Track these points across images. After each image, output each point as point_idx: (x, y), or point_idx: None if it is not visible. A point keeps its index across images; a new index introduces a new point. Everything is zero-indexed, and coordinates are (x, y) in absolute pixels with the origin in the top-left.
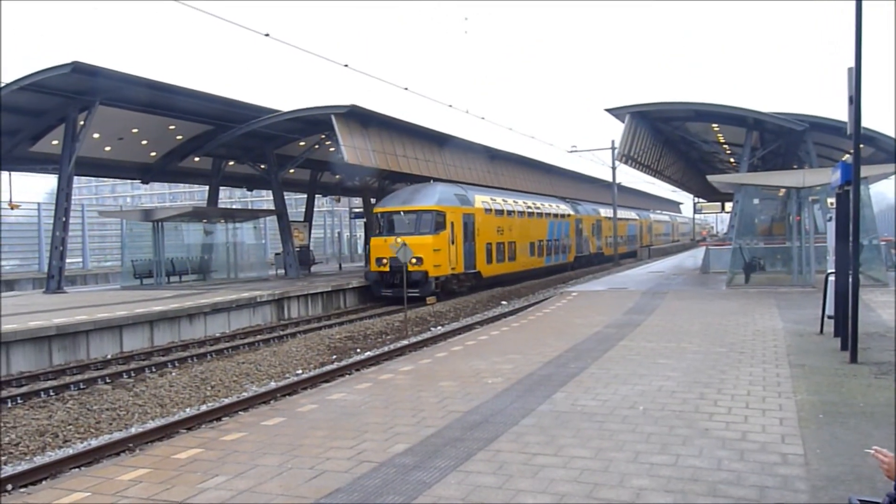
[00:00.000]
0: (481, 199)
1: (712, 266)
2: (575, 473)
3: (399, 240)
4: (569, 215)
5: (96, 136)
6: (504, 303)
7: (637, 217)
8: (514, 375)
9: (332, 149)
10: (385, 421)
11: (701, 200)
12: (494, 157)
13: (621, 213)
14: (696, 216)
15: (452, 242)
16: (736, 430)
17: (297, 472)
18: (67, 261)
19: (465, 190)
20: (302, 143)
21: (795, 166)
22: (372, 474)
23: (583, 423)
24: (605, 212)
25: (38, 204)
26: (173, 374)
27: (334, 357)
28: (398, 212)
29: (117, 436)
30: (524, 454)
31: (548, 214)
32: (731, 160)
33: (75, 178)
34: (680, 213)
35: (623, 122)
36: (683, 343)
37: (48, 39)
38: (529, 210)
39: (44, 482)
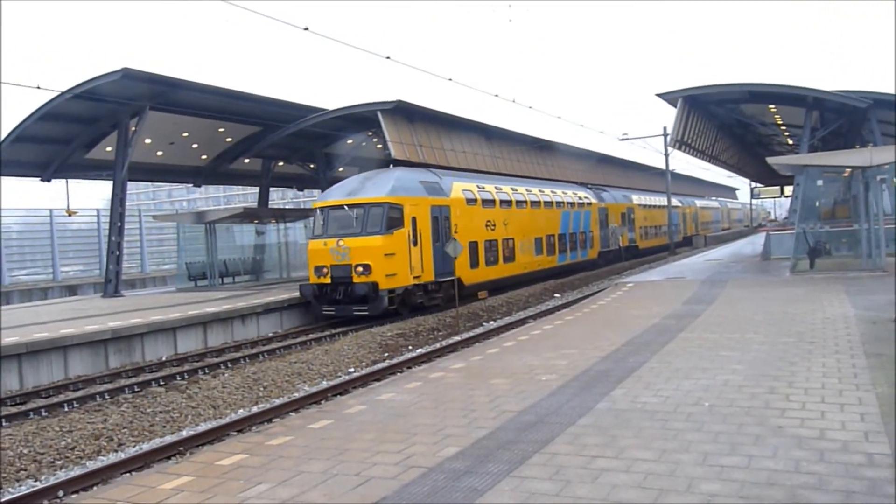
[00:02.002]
0: (461, 188)
1: (774, 252)
2: (638, 478)
3: (341, 243)
4: (590, 204)
5: (148, 141)
6: (557, 295)
7: (679, 204)
8: (570, 372)
9: (379, 146)
10: (435, 422)
11: (758, 185)
12: (542, 147)
13: (657, 200)
14: (754, 201)
15: (415, 243)
16: (812, 428)
17: (343, 478)
18: (128, 265)
19: (437, 176)
20: (350, 142)
21: (858, 146)
22: (420, 481)
23: (644, 422)
24: (640, 197)
25: (98, 210)
26: (226, 375)
27: (386, 355)
28: (340, 206)
29: (168, 439)
30: (582, 457)
31: (560, 203)
32: (790, 142)
33: (133, 183)
34: (736, 198)
35: (675, 106)
36: (748, 333)
37: (97, 45)
38: (534, 199)
39: (95, 488)
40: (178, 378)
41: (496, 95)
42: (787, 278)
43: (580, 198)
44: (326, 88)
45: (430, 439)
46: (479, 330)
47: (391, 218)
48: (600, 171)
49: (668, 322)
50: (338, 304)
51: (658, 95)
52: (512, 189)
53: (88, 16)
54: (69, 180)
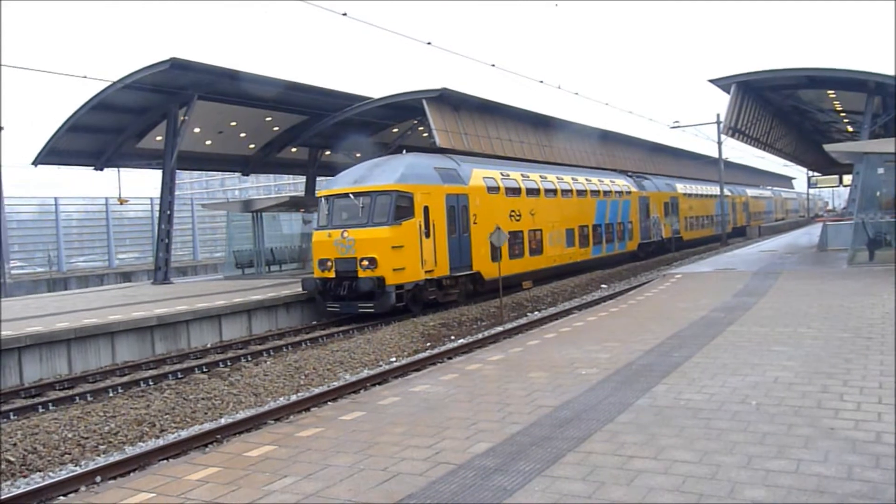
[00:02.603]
0: (482, 175)
1: (831, 243)
2: (677, 481)
3: (346, 234)
4: (629, 192)
5: (197, 130)
6: (604, 286)
7: (729, 193)
8: (611, 365)
9: (424, 134)
10: (468, 416)
11: (815, 174)
12: (590, 135)
13: (704, 189)
14: (811, 191)
15: (427, 235)
16: (868, 431)
17: (369, 473)
18: (181, 253)
19: (455, 163)
20: (395, 130)
21: None
22: (448, 478)
23: (686, 421)
24: (685, 186)
25: (151, 199)
26: (268, 362)
27: (428, 344)
28: (346, 195)
29: (207, 426)
30: (619, 457)
31: (596, 192)
32: (850, 129)
33: (187, 172)
34: (792, 188)
35: (728, 93)
36: (801, 328)
37: (143, 35)
38: (565, 187)
39: (131, 474)
40: (221, 365)
41: (541, 81)
42: (844, 270)
43: (618, 186)
44: (365, 75)
45: (462, 434)
46: (524, 320)
47: (400, 207)
48: (650, 159)
49: (716, 315)
50: (343, 300)
51: (711, 81)
52: (541, 177)
53: (133, 5)
54: (121, 169)
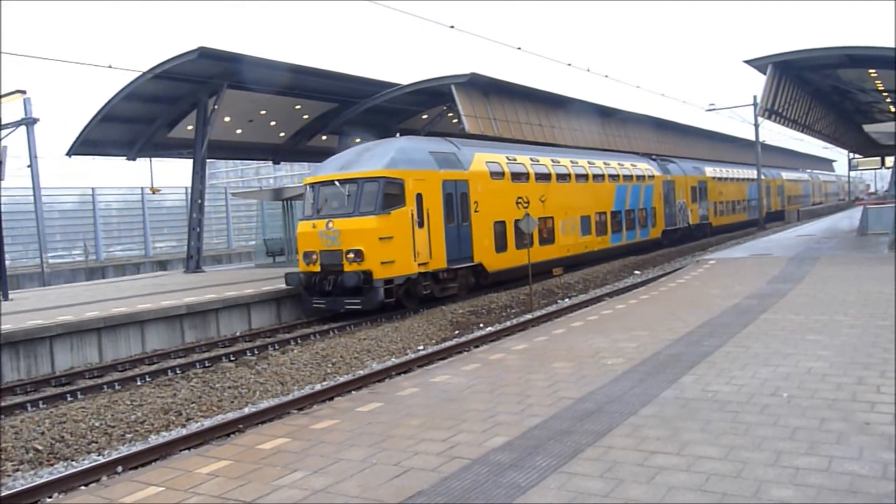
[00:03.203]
0: (485, 159)
1: (871, 227)
2: (699, 479)
3: (331, 225)
4: (652, 177)
5: (227, 119)
6: (637, 272)
7: (763, 177)
8: (638, 355)
9: (454, 120)
10: (487, 408)
11: (857, 156)
12: (625, 119)
13: (735, 172)
14: (851, 173)
15: (421, 225)
16: None
17: (381, 468)
18: (216, 241)
19: (455, 146)
20: (425, 116)
21: None
22: (461, 474)
23: (713, 414)
24: (714, 169)
25: (186, 188)
26: (295, 351)
27: (456, 332)
28: (331, 182)
29: (230, 416)
30: (640, 452)
31: (615, 177)
32: (893, 108)
33: (222, 161)
34: (832, 170)
35: (765, 74)
36: (837, 316)
37: (171, 28)
38: (580, 172)
39: (152, 464)
40: (249, 354)
41: (569, 64)
42: (884, 255)
43: (640, 170)
44: (387, 59)
45: (479, 427)
46: (553, 307)
47: (389, 195)
48: (683, 143)
49: (749, 302)
50: (328, 295)
51: (746, 62)
52: (553, 161)
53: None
54: (153, 159)
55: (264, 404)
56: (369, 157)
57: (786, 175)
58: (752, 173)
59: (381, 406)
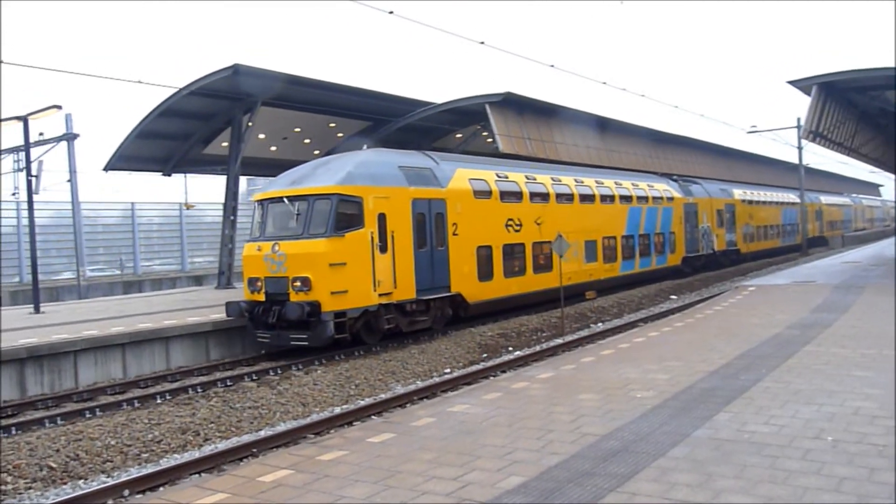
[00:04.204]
0: (468, 176)
1: None
2: None
3: (277, 248)
4: (671, 199)
5: (262, 136)
6: (674, 297)
7: (798, 200)
8: (670, 388)
9: (489, 140)
10: (505, 443)
11: None
12: (660, 140)
13: (768, 195)
14: None
15: (384, 249)
16: None
17: None
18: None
19: (432, 161)
20: (459, 135)
21: None
22: None
23: (750, 458)
24: (744, 192)
25: (224, 204)
26: (318, 371)
27: (484, 355)
28: (280, 198)
29: (245, 439)
30: (667, 501)
31: (627, 198)
32: None
33: (262, 178)
34: (879, 195)
35: (809, 95)
36: (887, 350)
37: (197, 40)
38: (585, 192)
39: (161, 488)
40: (271, 373)
41: (604, 83)
42: None
43: (657, 191)
44: (416, 76)
45: (494, 465)
46: (585, 332)
47: (342, 214)
48: (724, 165)
49: (791, 333)
50: (273, 328)
51: (790, 83)
52: (553, 179)
53: (190, 10)
54: (187, 175)
55: (281, 427)
56: (324, 172)
57: (825, 199)
58: (787, 196)
59: (393, 437)
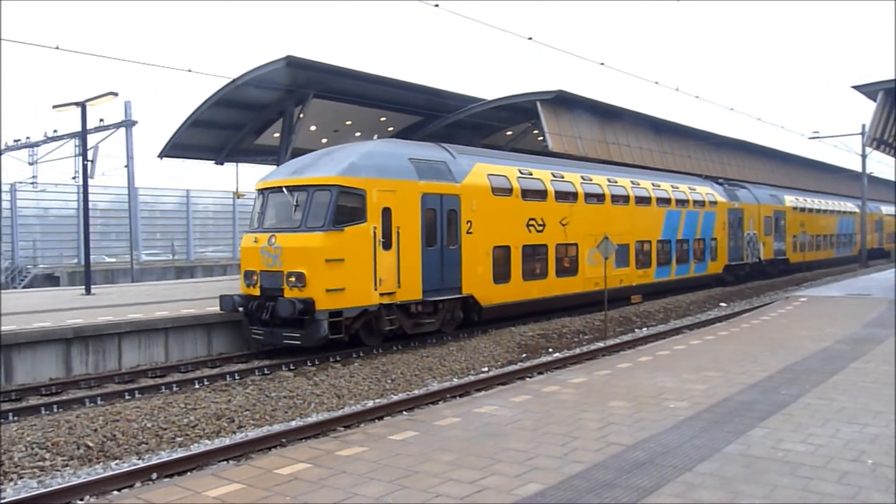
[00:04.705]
0: (487, 171)
1: None
2: None
3: (273, 241)
4: (714, 203)
5: (313, 128)
6: (723, 304)
7: (856, 210)
8: (705, 399)
9: (539, 138)
10: (527, 448)
11: None
12: (719, 144)
13: (822, 203)
14: None
15: (387, 246)
16: None
17: None
18: None
19: (448, 153)
20: (509, 132)
21: None
22: None
23: (782, 478)
24: (796, 198)
25: None
26: (355, 364)
27: (524, 355)
28: (279, 188)
29: (276, 428)
30: None
31: (665, 200)
32: None
33: None
34: None
35: (874, 100)
36: None
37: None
38: (618, 193)
39: (189, 473)
40: (308, 364)
41: (656, 83)
42: None
43: (699, 195)
44: (461, 71)
45: (514, 470)
46: (628, 337)
47: (343, 207)
48: (783, 171)
49: (840, 347)
50: (268, 325)
51: (854, 88)
52: (582, 178)
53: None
54: (239, 164)
55: (313, 419)
56: (327, 162)
57: (885, 210)
58: (844, 205)
59: (416, 436)
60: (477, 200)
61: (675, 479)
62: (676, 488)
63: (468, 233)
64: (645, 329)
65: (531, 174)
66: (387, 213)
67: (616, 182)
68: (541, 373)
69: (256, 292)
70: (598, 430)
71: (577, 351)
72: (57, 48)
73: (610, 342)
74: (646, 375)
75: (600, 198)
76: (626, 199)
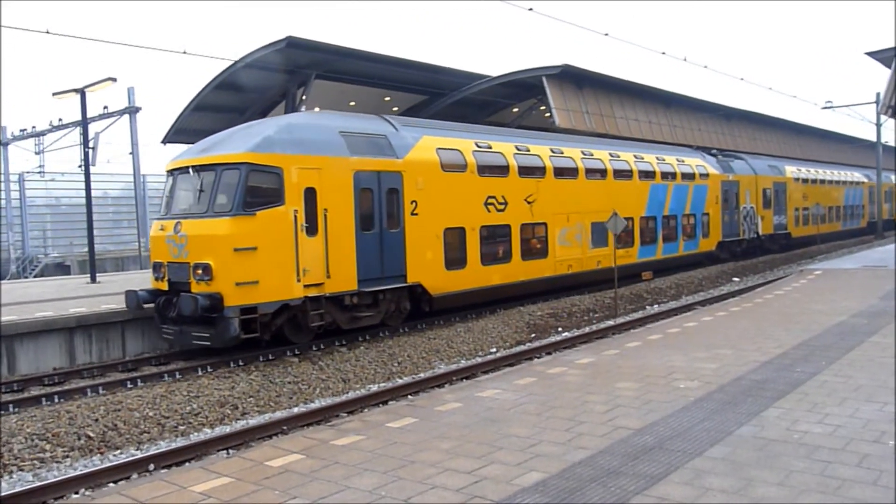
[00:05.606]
0: (436, 145)
1: None
2: None
3: (179, 228)
4: (706, 175)
5: (316, 109)
6: (736, 279)
7: (865, 179)
8: (716, 379)
9: (546, 115)
10: (530, 434)
11: None
12: (729, 116)
13: (827, 174)
14: None
15: (312, 231)
16: None
17: None
18: None
19: (390, 125)
20: (515, 109)
21: None
22: None
23: (798, 462)
24: (797, 169)
25: None
26: (361, 347)
27: (533, 335)
28: (185, 168)
29: (278, 415)
30: None
31: (648, 174)
32: None
33: None
34: None
35: (889, 67)
36: None
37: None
38: (595, 166)
39: (187, 463)
40: (314, 348)
41: (663, 53)
42: None
43: (688, 167)
44: (458, 44)
45: (515, 458)
46: (639, 314)
47: (254, 188)
48: (796, 143)
49: (856, 321)
50: (177, 322)
51: (868, 54)
52: (552, 151)
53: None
54: None
55: (316, 404)
56: (240, 137)
57: None
58: (852, 175)
59: (414, 423)
60: (423, 178)
61: (684, 464)
62: (685, 475)
63: (413, 214)
64: (656, 306)
65: (490, 147)
66: (311, 193)
67: (591, 155)
68: (549, 353)
69: (164, 286)
70: (604, 413)
71: (587, 330)
72: (47, 32)
73: (620, 320)
74: (655, 354)
75: (573, 172)
76: (602, 172)
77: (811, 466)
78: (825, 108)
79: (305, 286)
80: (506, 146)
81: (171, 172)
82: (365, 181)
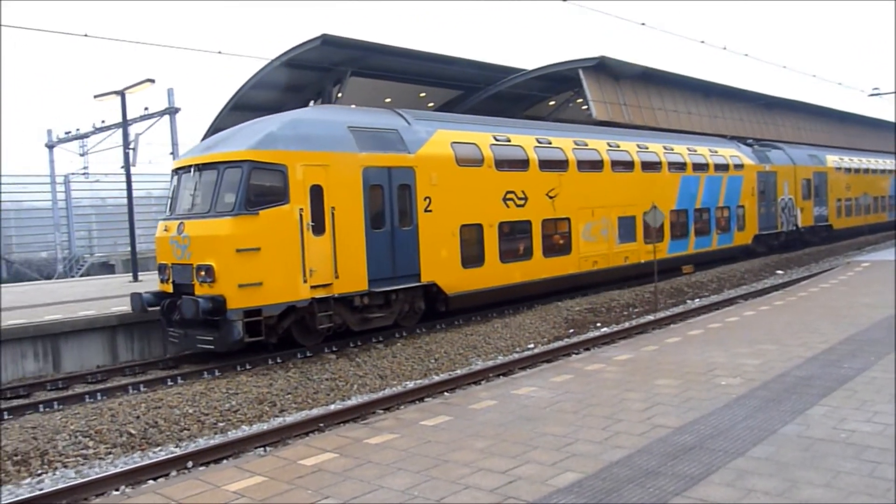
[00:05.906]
0: (451, 139)
1: None
2: None
3: (183, 229)
4: (741, 165)
5: (353, 107)
6: (779, 272)
7: None
8: (760, 376)
9: (584, 107)
10: (566, 433)
11: None
12: (771, 105)
13: (871, 163)
14: None
15: (319, 230)
16: None
17: None
18: None
19: (403, 120)
20: (552, 102)
21: None
22: None
23: (845, 463)
24: (840, 158)
25: None
26: (399, 344)
27: (571, 331)
28: (188, 167)
29: (314, 413)
30: None
31: (679, 165)
32: None
33: None
34: None
35: None
36: None
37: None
38: (620, 158)
39: (224, 461)
40: (351, 345)
41: (702, 42)
42: None
43: (721, 157)
44: (494, 38)
45: (550, 458)
46: (679, 309)
47: (257, 187)
48: (841, 132)
49: None
50: (184, 325)
51: None
52: (575, 143)
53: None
54: None
55: (353, 401)
56: (243, 134)
57: None
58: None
59: (448, 421)
60: (437, 173)
61: (725, 465)
62: (727, 476)
63: (427, 211)
64: (697, 300)
65: (509, 141)
66: (317, 191)
67: (618, 146)
68: (587, 349)
69: (169, 289)
70: (642, 411)
71: (626, 325)
72: (86, 35)
73: (660, 315)
74: (695, 350)
75: (598, 165)
76: (629, 164)
77: (859, 467)
78: (872, 94)
79: (312, 287)
80: (525, 139)
81: (175, 171)
82: (375, 177)
